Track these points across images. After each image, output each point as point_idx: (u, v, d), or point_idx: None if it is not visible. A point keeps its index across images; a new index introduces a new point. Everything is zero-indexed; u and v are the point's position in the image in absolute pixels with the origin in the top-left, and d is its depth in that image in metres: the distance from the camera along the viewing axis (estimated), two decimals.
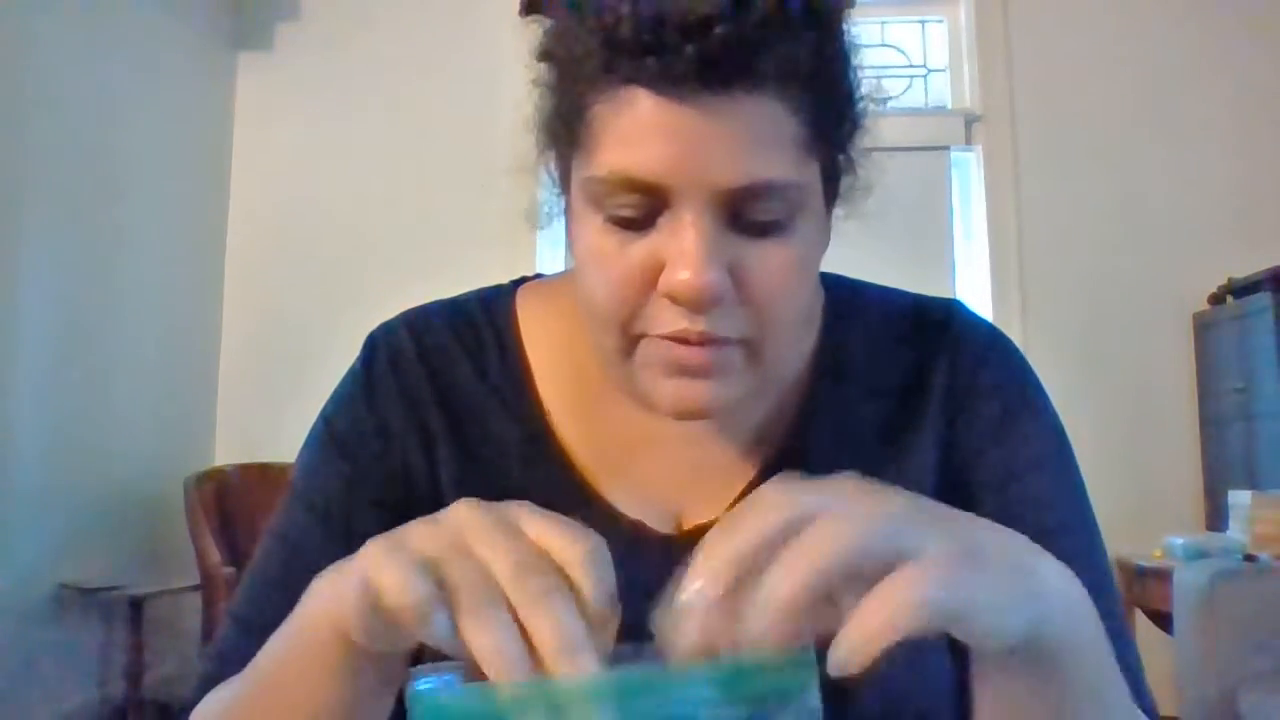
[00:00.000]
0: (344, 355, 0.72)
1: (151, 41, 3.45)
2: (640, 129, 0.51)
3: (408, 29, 3.80)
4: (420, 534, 0.41)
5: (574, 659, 0.37)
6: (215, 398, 3.77)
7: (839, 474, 0.41)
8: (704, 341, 0.53)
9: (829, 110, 0.54)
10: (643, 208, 0.52)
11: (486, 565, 0.38)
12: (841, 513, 0.38)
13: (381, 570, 0.39)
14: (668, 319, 0.53)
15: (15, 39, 2.84)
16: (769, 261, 0.53)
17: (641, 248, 0.53)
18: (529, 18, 0.57)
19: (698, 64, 0.49)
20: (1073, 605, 0.43)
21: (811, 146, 0.53)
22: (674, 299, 0.52)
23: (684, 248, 0.51)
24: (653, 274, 0.53)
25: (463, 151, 3.70)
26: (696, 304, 0.52)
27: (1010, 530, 0.44)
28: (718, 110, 0.50)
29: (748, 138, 0.50)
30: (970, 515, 0.43)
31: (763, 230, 0.53)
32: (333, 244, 3.75)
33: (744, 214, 0.52)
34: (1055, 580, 0.43)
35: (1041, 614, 0.41)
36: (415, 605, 0.38)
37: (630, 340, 0.56)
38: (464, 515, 0.41)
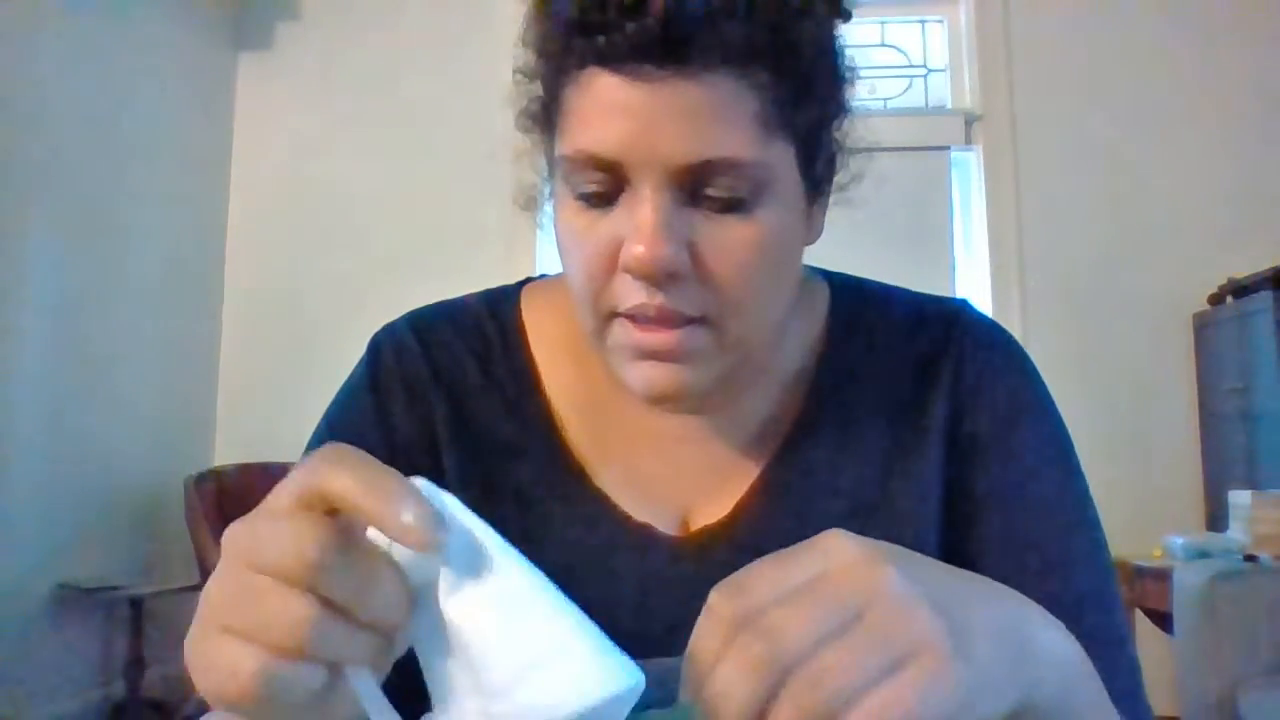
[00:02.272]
0: (345, 355, 0.72)
1: (151, 41, 3.45)
2: (598, 108, 0.52)
3: (408, 29, 3.80)
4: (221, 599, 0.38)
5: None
6: (215, 398, 3.77)
7: (824, 534, 0.39)
8: (663, 317, 0.54)
9: (797, 90, 0.54)
10: (606, 185, 0.54)
11: (285, 609, 0.36)
12: (830, 655, 0.36)
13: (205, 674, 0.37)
14: (628, 293, 0.54)
15: (15, 39, 2.84)
16: (728, 238, 0.54)
17: (606, 225, 0.54)
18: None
19: (642, 40, 0.50)
20: (1067, 666, 0.43)
21: (777, 126, 0.53)
22: (631, 273, 0.53)
23: (639, 223, 0.52)
24: (616, 251, 0.54)
25: (463, 150, 3.69)
26: (650, 277, 0.53)
27: (1004, 589, 0.43)
28: (670, 87, 0.50)
29: (701, 114, 0.51)
30: (963, 576, 0.43)
31: (723, 207, 0.53)
32: (333, 243, 3.75)
33: (702, 191, 0.53)
34: (1048, 643, 0.43)
35: (1034, 681, 0.41)
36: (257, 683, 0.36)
37: (603, 319, 0.57)
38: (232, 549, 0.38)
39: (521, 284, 0.72)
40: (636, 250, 0.52)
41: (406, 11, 3.82)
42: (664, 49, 0.50)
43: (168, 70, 3.54)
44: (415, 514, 0.36)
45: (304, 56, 3.86)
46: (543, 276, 0.74)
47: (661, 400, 0.57)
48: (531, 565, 0.39)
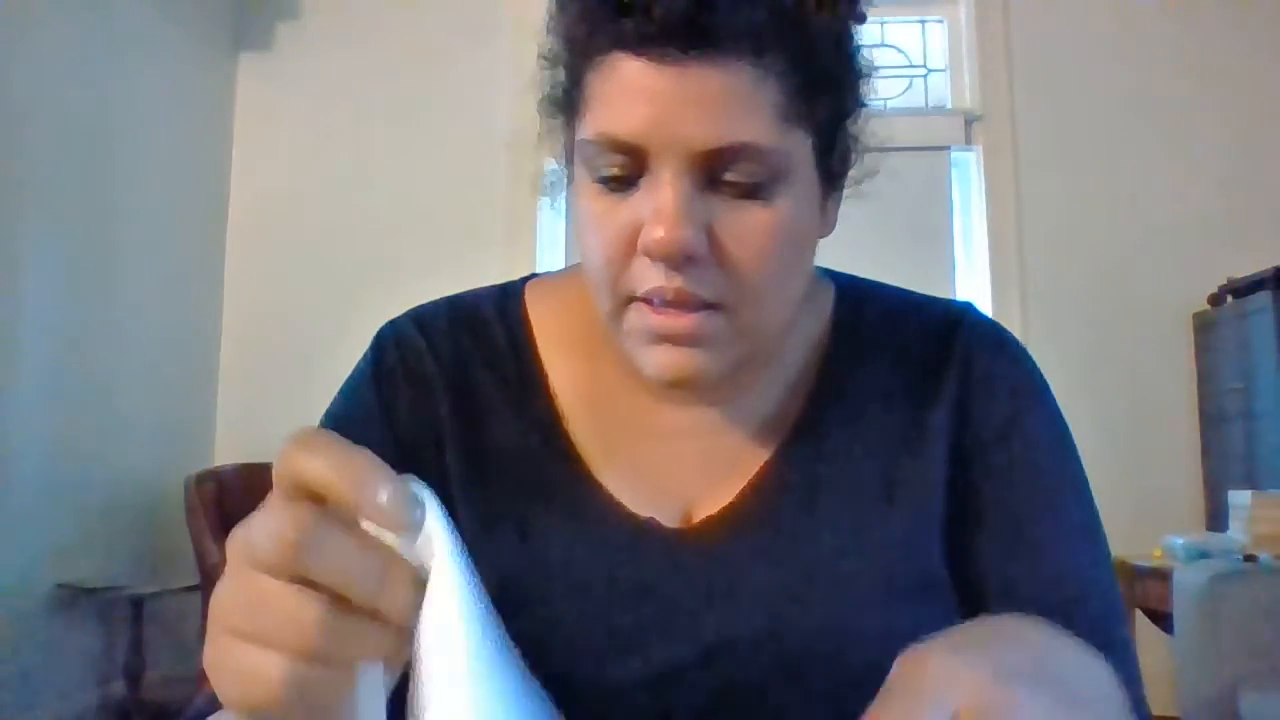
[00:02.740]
0: (345, 354, 0.72)
1: (151, 41, 3.45)
2: (622, 92, 0.53)
3: (408, 28, 3.80)
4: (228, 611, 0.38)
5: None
6: (215, 398, 3.77)
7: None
8: (680, 300, 0.54)
9: (815, 81, 0.55)
10: (626, 169, 0.54)
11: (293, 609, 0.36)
12: None
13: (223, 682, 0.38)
14: (647, 276, 0.55)
15: (14, 39, 2.84)
16: (746, 223, 0.54)
17: (626, 209, 0.55)
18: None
19: (668, 25, 0.50)
20: (1114, 693, 0.43)
21: (795, 116, 0.54)
22: (650, 255, 0.54)
23: (659, 206, 0.53)
24: (635, 235, 0.55)
25: (463, 150, 3.70)
26: (670, 259, 0.53)
27: (1060, 638, 0.42)
28: (693, 72, 0.51)
29: (723, 100, 0.52)
30: (1042, 643, 0.40)
31: (741, 193, 0.54)
32: (333, 243, 3.75)
33: (722, 176, 0.54)
34: (1105, 682, 0.41)
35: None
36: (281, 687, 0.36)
37: (620, 303, 0.57)
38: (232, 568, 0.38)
39: (525, 280, 0.72)
40: (657, 233, 0.53)
41: (407, 11, 3.82)
42: (689, 34, 0.51)
43: (168, 70, 3.54)
44: (389, 494, 0.36)
45: (304, 56, 3.86)
46: (547, 273, 0.75)
47: (675, 384, 0.58)
48: (469, 586, 0.38)
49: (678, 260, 0.53)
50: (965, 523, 0.64)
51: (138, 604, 3.03)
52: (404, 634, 0.37)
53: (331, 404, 0.68)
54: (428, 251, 3.61)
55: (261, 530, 0.36)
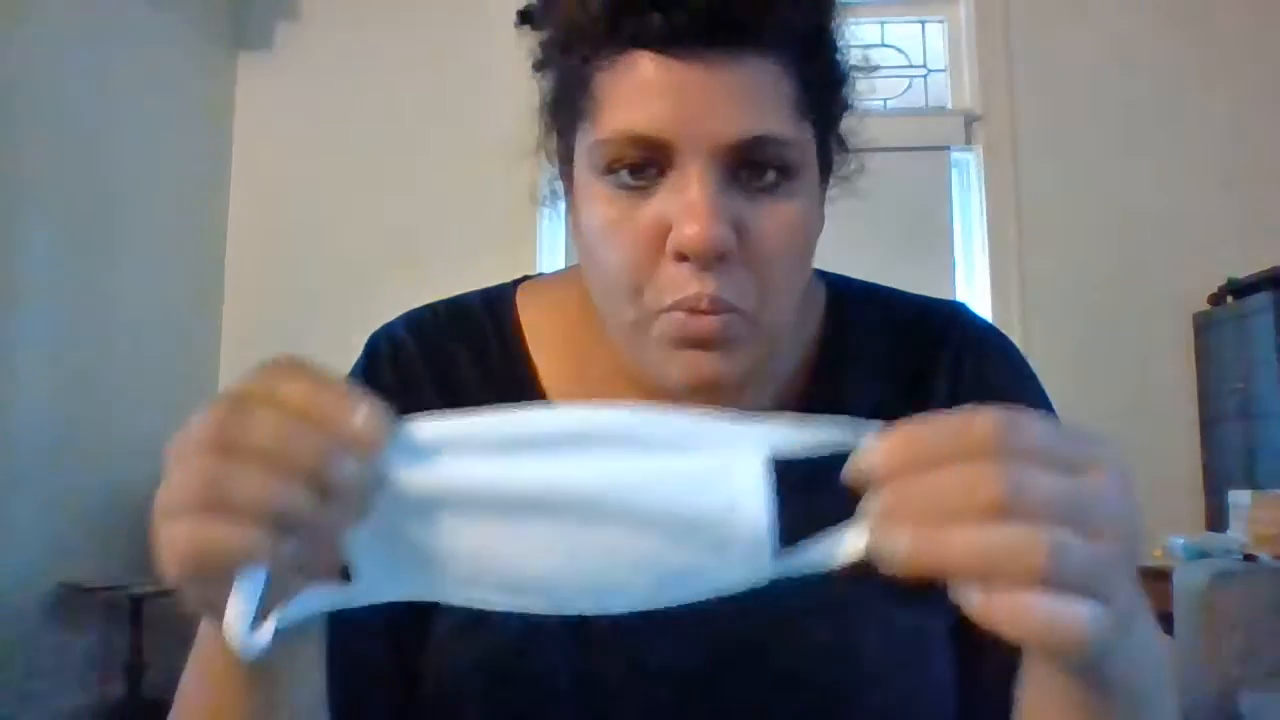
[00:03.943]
0: (344, 355, 0.72)
1: (151, 42, 3.45)
2: (644, 88, 0.52)
3: (407, 28, 3.80)
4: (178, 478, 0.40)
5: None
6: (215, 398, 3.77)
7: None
8: (714, 309, 0.54)
9: (822, 76, 0.56)
10: (648, 167, 0.53)
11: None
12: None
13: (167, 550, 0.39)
14: (678, 282, 0.54)
15: (13, 38, 2.84)
16: (771, 219, 0.54)
17: (649, 210, 0.54)
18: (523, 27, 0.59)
19: (700, 20, 0.51)
20: (1143, 610, 0.43)
21: (805, 110, 0.54)
22: (682, 254, 0.53)
23: (690, 202, 0.52)
24: (661, 236, 0.54)
25: (463, 151, 3.70)
26: (704, 257, 0.52)
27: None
28: (719, 67, 0.51)
29: (748, 94, 0.52)
30: None
31: (763, 188, 0.54)
32: (333, 244, 3.75)
33: (745, 171, 0.54)
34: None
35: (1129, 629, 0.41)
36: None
37: (643, 312, 0.56)
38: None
39: (517, 282, 0.72)
40: (690, 230, 0.52)
41: (406, 11, 3.82)
42: (714, 30, 0.51)
43: (168, 70, 3.54)
44: (361, 417, 0.37)
45: (304, 56, 3.85)
46: (539, 275, 0.74)
47: (701, 388, 0.57)
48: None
49: (711, 258, 0.52)
50: None
51: (138, 604, 3.03)
52: (351, 506, 0.38)
53: None
54: (427, 252, 3.60)
55: (200, 418, 0.38)
